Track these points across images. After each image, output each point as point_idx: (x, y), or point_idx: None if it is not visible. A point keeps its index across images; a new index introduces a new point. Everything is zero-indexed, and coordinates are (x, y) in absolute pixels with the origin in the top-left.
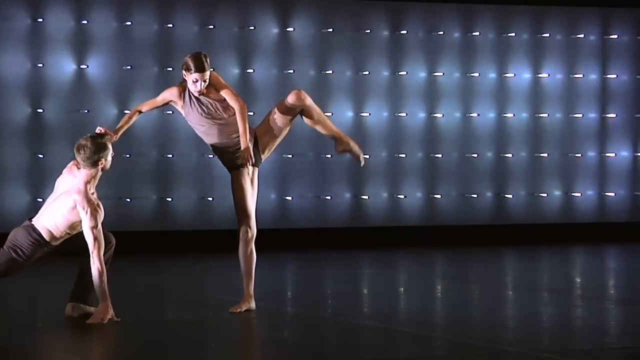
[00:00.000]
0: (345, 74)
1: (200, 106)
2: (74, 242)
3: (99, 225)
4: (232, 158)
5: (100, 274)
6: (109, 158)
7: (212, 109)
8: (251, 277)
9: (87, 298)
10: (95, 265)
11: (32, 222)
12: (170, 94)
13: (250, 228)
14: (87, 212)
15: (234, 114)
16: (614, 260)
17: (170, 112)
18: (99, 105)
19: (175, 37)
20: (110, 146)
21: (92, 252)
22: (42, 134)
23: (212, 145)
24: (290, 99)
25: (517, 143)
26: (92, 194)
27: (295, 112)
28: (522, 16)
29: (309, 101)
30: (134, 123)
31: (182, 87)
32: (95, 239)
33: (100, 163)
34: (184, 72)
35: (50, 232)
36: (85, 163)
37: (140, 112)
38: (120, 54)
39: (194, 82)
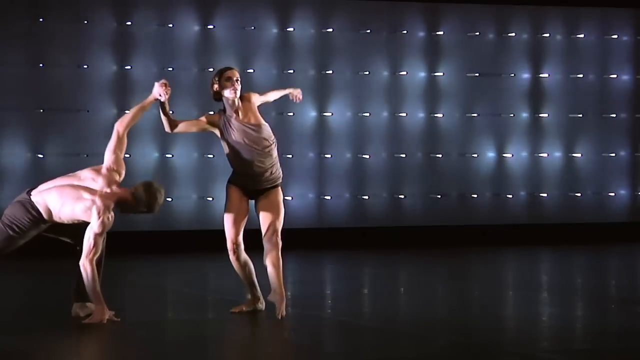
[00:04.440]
0: (345, 74)
1: (239, 132)
2: (72, 229)
3: (103, 235)
4: (253, 182)
5: (93, 278)
6: (144, 204)
7: (253, 134)
8: (254, 285)
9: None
10: (87, 270)
11: (31, 197)
12: (210, 117)
13: (230, 244)
14: (99, 218)
15: (271, 145)
16: (614, 260)
17: (170, 112)
18: (100, 105)
19: (175, 37)
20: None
21: (86, 256)
22: (43, 134)
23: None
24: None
25: (517, 143)
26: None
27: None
28: (522, 16)
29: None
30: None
31: (219, 114)
32: (95, 245)
33: (140, 207)
34: (216, 84)
35: (50, 213)
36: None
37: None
38: (120, 54)
39: (228, 79)
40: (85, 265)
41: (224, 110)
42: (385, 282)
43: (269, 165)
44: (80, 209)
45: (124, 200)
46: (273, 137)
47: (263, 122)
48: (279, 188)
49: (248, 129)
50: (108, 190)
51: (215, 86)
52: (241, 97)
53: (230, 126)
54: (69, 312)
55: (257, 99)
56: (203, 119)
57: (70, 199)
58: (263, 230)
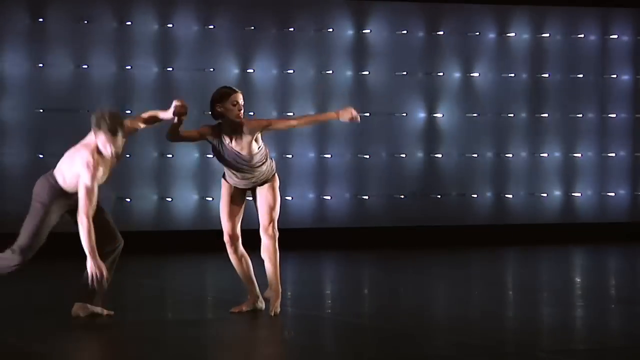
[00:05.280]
0: (345, 74)
1: (230, 155)
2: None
3: (95, 187)
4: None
5: (89, 231)
6: (108, 138)
7: (243, 161)
8: (252, 282)
9: (94, 298)
10: (84, 223)
11: (52, 171)
12: (206, 129)
13: (227, 237)
14: (86, 169)
15: (263, 163)
16: (614, 260)
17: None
18: (100, 106)
19: (175, 37)
20: (109, 127)
21: (83, 211)
22: (43, 134)
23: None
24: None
25: (517, 143)
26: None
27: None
28: (522, 16)
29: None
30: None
31: (213, 130)
32: (88, 199)
33: (100, 132)
34: (218, 104)
35: (64, 180)
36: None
37: (184, 138)
38: (120, 54)
39: (233, 105)
40: (81, 220)
41: (220, 126)
42: (385, 282)
43: (257, 173)
44: (77, 163)
45: (102, 143)
46: (265, 155)
47: (256, 151)
48: (275, 178)
49: (238, 157)
50: (92, 143)
51: (218, 107)
52: (244, 120)
53: (223, 147)
54: (69, 312)
55: (258, 128)
56: (199, 131)
57: (70, 155)
58: (260, 221)
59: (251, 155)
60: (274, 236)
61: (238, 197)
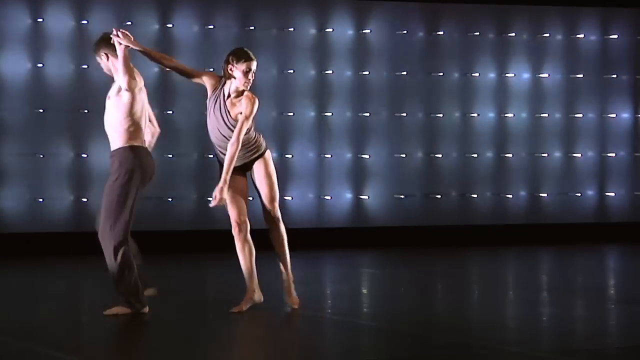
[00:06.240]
0: (345, 74)
1: (220, 111)
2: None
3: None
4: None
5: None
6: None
7: (226, 120)
8: (252, 273)
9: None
10: None
11: None
12: (210, 77)
13: (234, 223)
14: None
15: (245, 133)
16: (614, 260)
17: (171, 112)
18: (100, 105)
19: (176, 37)
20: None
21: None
22: (43, 134)
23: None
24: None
25: (517, 143)
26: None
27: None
28: (522, 16)
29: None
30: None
31: (219, 81)
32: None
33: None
34: (232, 65)
35: None
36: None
37: (177, 69)
38: None
39: (245, 72)
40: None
41: (225, 82)
42: (385, 282)
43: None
44: None
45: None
46: (250, 128)
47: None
48: (267, 155)
49: (227, 117)
50: None
51: (230, 67)
52: (247, 95)
53: (218, 102)
54: (68, 311)
55: (241, 110)
56: (204, 73)
57: None
58: (263, 211)
59: (236, 120)
60: (277, 221)
61: (238, 180)
